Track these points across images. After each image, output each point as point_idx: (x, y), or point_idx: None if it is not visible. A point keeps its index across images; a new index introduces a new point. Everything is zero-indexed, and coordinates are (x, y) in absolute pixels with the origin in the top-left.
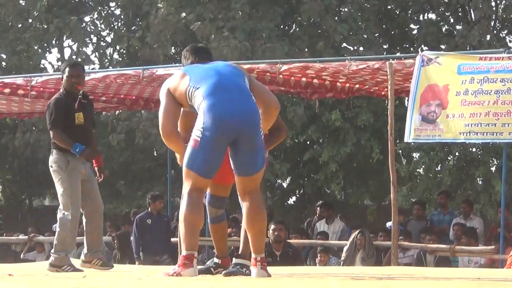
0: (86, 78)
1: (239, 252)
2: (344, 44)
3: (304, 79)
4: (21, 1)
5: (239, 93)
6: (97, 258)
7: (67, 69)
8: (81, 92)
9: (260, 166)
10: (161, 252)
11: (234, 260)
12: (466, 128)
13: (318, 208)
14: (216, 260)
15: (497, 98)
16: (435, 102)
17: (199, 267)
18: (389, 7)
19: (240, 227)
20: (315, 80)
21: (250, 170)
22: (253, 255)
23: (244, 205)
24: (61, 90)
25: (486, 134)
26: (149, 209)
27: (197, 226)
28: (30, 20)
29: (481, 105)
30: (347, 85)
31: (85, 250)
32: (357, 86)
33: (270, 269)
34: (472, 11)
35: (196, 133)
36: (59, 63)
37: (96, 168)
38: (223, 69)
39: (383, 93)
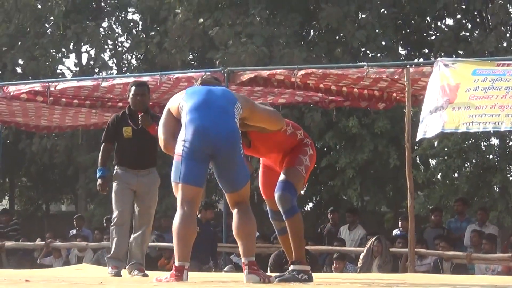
0: (105, 84)
1: (294, 259)
2: (363, 49)
3: (322, 85)
4: (38, 6)
5: (221, 113)
6: (134, 269)
7: (133, 87)
8: (145, 109)
9: (244, 181)
10: (205, 261)
11: (291, 267)
12: (469, 119)
13: (330, 214)
14: (291, 267)
15: (506, 93)
16: (443, 99)
17: (277, 274)
18: (406, 12)
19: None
20: (332, 87)
21: (235, 187)
22: (242, 259)
23: (233, 213)
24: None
25: (488, 124)
26: (198, 216)
27: (188, 238)
28: (47, 26)
29: (489, 99)
30: (365, 91)
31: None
32: (376, 93)
33: None
34: (489, 17)
35: (178, 148)
36: (77, 68)
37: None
38: (216, 91)
39: (398, 98)
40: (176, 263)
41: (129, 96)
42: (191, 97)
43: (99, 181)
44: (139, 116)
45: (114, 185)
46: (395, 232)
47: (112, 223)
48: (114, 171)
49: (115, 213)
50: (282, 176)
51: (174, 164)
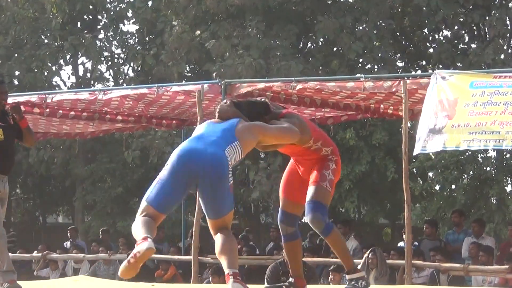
0: (102, 96)
1: (346, 270)
2: (360, 60)
3: (318, 98)
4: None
5: (210, 145)
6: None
7: None
8: (6, 107)
9: (229, 209)
10: None
11: (347, 277)
12: (470, 136)
13: None
14: (290, 279)
15: (505, 108)
16: (442, 114)
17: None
18: (404, 24)
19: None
20: (330, 100)
21: (218, 214)
22: (225, 271)
23: (215, 237)
24: None
25: (489, 141)
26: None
27: (143, 222)
28: (44, 39)
29: (488, 115)
30: (362, 104)
31: None
32: (372, 106)
33: None
34: (486, 30)
35: (161, 173)
36: (72, 79)
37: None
38: (218, 127)
39: (400, 113)
40: (141, 236)
41: None
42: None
43: None
44: (13, 106)
45: None
46: (401, 244)
47: None
48: None
49: None
50: (308, 196)
51: (152, 185)
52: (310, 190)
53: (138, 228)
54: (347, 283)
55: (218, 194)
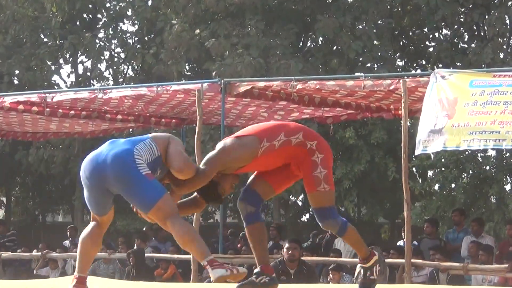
0: (102, 95)
1: (361, 259)
2: (360, 59)
3: (318, 97)
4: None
5: (119, 145)
6: None
7: None
8: None
9: (155, 198)
10: None
11: (358, 266)
12: (470, 136)
13: None
14: (258, 269)
15: (505, 108)
16: (442, 113)
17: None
18: (403, 23)
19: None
20: (329, 98)
21: (147, 207)
22: (201, 263)
23: (171, 232)
24: None
25: (489, 141)
26: None
27: (81, 251)
28: (44, 38)
29: (488, 114)
30: (362, 103)
31: None
32: (372, 105)
33: (285, 287)
34: (486, 29)
35: None
36: (72, 78)
37: None
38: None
39: (400, 112)
40: (76, 274)
41: None
42: None
43: None
44: None
45: None
46: (400, 243)
47: None
48: None
49: None
50: (312, 204)
51: None
52: (311, 198)
53: (77, 257)
54: (356, 270)
55: (134, 189)
